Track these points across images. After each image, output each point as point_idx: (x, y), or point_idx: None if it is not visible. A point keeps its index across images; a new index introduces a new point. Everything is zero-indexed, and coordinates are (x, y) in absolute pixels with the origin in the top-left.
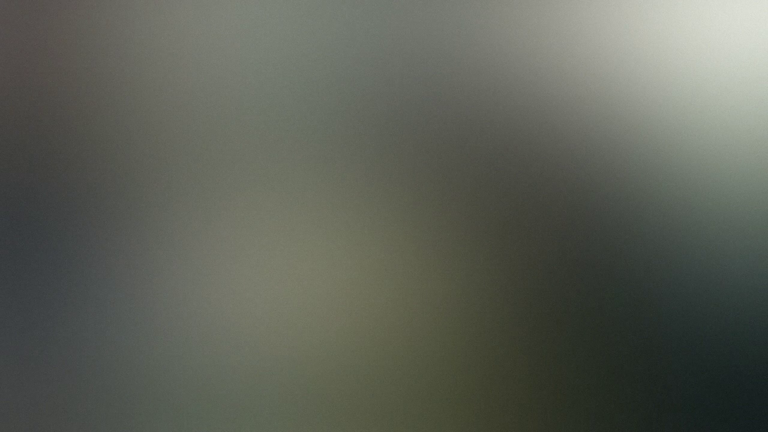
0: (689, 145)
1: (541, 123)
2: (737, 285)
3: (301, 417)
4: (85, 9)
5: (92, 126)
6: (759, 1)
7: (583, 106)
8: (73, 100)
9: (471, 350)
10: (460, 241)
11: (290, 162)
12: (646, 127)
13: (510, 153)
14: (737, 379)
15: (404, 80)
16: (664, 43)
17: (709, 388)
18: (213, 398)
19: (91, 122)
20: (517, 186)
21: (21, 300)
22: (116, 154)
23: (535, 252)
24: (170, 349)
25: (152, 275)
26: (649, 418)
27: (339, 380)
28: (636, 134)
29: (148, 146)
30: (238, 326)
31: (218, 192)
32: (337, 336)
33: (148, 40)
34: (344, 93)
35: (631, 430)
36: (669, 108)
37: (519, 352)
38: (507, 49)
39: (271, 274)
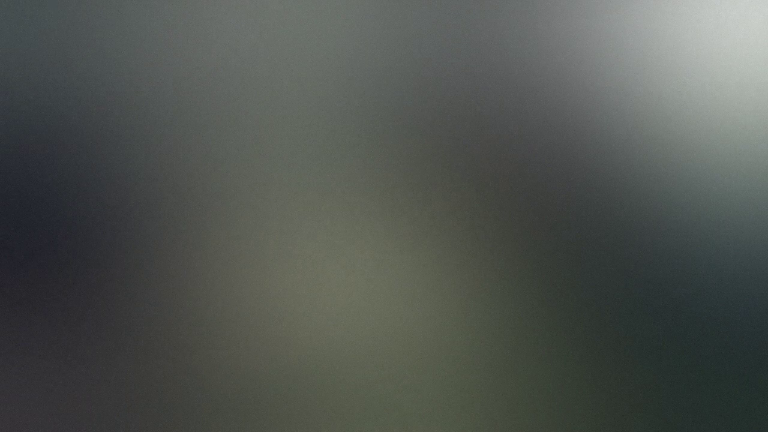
0: (689, 146)
1: (544, 125)
2: (738, 286)
3: (302, 420)
4: (86, 8)
5: (100, 126)
6: (759, 1)
7: (585, 106)
8: (76, 99)
9: (474, 351)
10: (465, 240)
11: (295, 163)
12: (648, 128)
13: (514, 154)
14: (738, 379)
15: (409, 81)
16: (664, 43)
17: (710, 388)
18: (215, 399)
19: (99, 122)
20: (521, 187)
21: (21, 300)
22: (117, 154)
23: (541, 253)
24: (173, 349)
25: (154, 275)
26: (652, 419)
27: (343, 382)
28: (638, 135)
29: (151, 146)
30: (242, 327)
31: (222, 192)
32: (343, 337)
33: (152, 41)
34: (348, 94)
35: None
36: (669, 109)
37: (524, 353)
38: (510, 50)
39: (276, 275)
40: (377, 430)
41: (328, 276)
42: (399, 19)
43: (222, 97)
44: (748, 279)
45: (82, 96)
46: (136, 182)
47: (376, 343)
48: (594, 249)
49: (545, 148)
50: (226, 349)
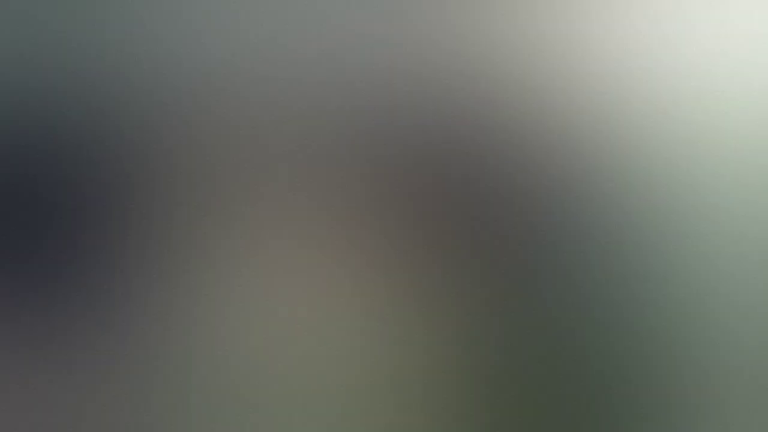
0: (687, 149)
1: (543, 128)
2: (738, 287)
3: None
4: (84, 6)
5: (98, 125)
6: (759, 1)
7: (584, 108)
8: (74, 98)
9: (468, 354)
10: (460, 243)
11: (293, 163)
12: (648, 130)
13: (511, 157)
14: (736, 381)
15: (409, 83)
16: (663, 44)
17: (707, 392)
18: (213, 401)
19: (97, 121)
20: (517, 190)
21: (22, 301)
22: (116, 154)
23: (540, 258)
24: (173, 352)
25: (153, 279)
26: (652, 421)
27: (338, 385)
28: (638, 138)
29: (149, 147)
30: (238, 333)
31: (220, 193)
32: (341, 338)
33: (149, 39)
34: (346, 96)
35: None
36: (667, 111)
37: (519, 359)
38: (507, 51)
39: (270, 277)
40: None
41: (324, 280)
42: (396, 20)
43: (219, 98)
44: (747, 279)
45: (79, 94)
46: (135, 183)
47: (372, 344)
48: (595, 254)
49: (546, 152)
50: (227, 351)
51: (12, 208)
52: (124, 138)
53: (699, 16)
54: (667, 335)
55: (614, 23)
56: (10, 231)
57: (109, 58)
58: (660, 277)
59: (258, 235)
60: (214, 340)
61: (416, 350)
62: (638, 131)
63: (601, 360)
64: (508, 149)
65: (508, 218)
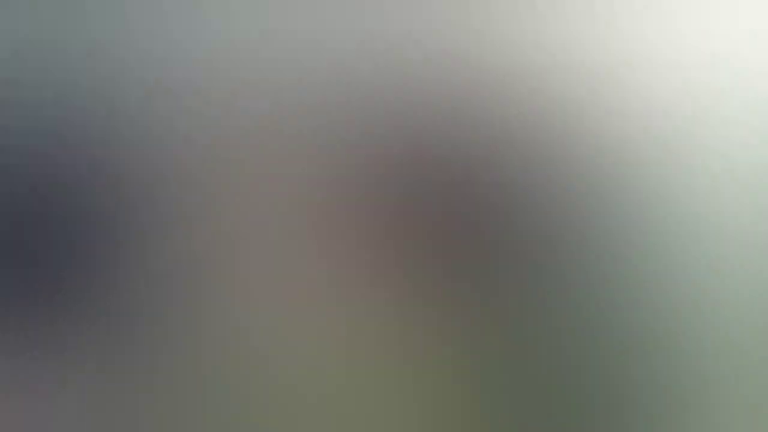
0: (687, 148)
1: (545, 127)
2: (738, 288)
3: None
4: (83, 8)
5: (96, 124)
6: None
7: (582, 108)
8: (74, 100)
9: (468, 354)
10: (460, 242)
11: (290, 164)
12: (648, 130)
13: (507, 157)
14: (736, 382)
15: (407, 85)
16: (662, 45)
17: (707, 393)
18: (212, 402)
19: (95, 120)
20: (517, 190)
21: (21, 301)
22: (114, 153)
23: (541, 257)
24: (170, 352)
25: (151, 278)
26: (652, 421)
27: (333, 385)
28: (638, 138)
29: (147, 148)
30: (237, 333)
31: (219, 195)
32: (337, 341)
33: (148, 40)
34: (342, 96)
35: None
36: (667, 110)
37: (519, 359)
38: (507, 51)
39: (272, 278)
40: None
41: (324, 279)
42: (395, 20)
43: (219, 97)
44: (748, 279)
45: (76, 93)
46: (133, 182)
47: (371, 344)
48: (595, 254)
49: (545, 150)
50: (222, 351)
51: (9, 208)
52: (122, 137)
53: (699, 16)
54: (667, 336)
55: (614, 23)
56: (8, 230)
57: (106, 57)
58: (660, 278)
59: (257, 234)
60: (212, 340)
61: (416, 350)
62: (639, 131)
63: (602, 360)
64: (509, 149)
65: (508, 218)
